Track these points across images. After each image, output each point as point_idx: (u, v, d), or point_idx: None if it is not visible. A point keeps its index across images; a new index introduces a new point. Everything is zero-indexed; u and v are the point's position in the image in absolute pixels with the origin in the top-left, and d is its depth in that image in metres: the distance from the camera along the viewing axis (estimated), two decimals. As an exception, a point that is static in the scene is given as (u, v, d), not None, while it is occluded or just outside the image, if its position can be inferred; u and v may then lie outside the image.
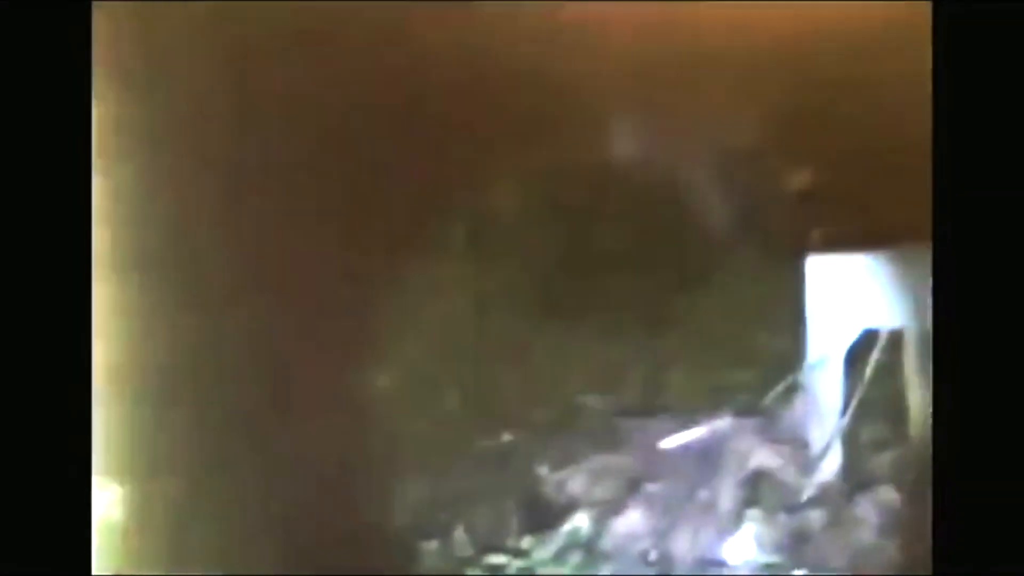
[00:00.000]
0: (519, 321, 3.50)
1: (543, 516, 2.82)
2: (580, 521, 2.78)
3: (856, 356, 2.93)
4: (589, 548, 2.68)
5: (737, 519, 2.69)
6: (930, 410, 2.89)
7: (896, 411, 2.99)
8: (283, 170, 2.76)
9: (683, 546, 2.59)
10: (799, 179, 3.84)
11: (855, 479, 2.84)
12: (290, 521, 2.51)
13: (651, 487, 2.81)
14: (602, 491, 2.88)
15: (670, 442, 2.88)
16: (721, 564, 2.59)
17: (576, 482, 2.90)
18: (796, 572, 2.53)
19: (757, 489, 2.79)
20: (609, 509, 2.78)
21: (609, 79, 4.19)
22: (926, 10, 1.65)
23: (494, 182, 3.75)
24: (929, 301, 2.61)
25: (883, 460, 2.89)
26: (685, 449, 2.86)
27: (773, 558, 2.61)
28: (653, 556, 2.60)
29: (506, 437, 3.18)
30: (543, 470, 3.03)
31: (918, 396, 2.99)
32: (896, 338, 2.96)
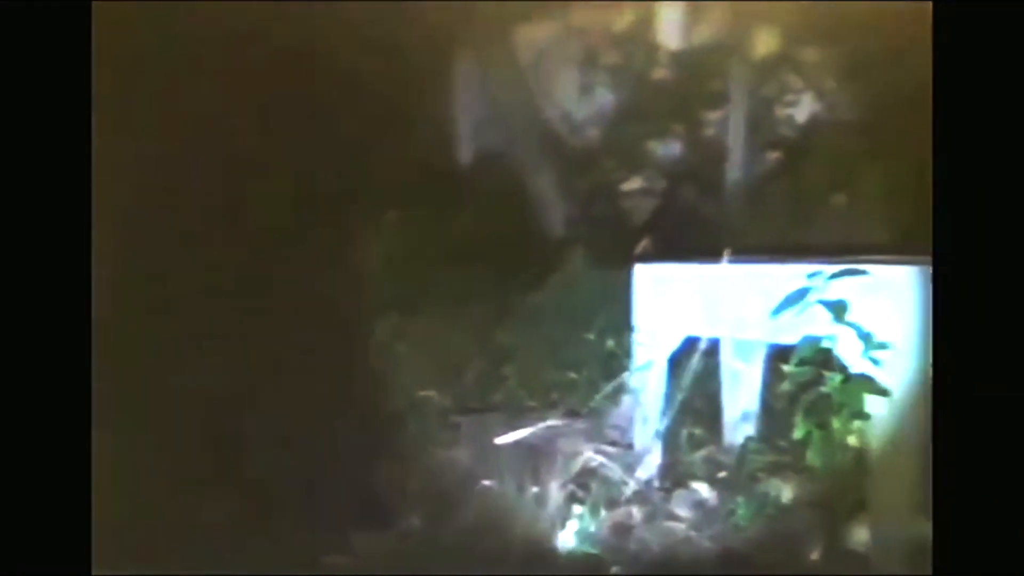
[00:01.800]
0: (363, 315, 3.50)
1: (378, 513, 2.84)
2: (415, 518, 2.83)
3: (678, 361, 3.12)
4: (425, 544, 2.72)
5: (564, 514, 2.82)
6: (741, 410, 3.18)
7: (711, 413, 3.22)
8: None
9: (515, 541, 2.68)
10: (632, 187, 4.06)
11: (672, 476, 3.03)
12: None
13: (485, 482, 2.89)
14: (437, 487, 2.94)
15: (504, 439, 2.97)
16: (548, 557, 2.70)
17: (413, 478, 2.94)
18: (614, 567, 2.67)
19: (583, 485, 2.93)
20: (444, 505, 2.84)
21: (459, 78, 4.28)
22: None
23: (338, 174, 3.73)
24: (745, 312, 2.85)
25: (697, 458, 3.10)
26: (517, 446, 2.96)
27: (595, 551, 2.74)
28: (488, 553, 2.67)
29: (343, 431, 3.18)
30: (379, 465, 3.05)
31: (731, 400, 3.23)
32: (714, 346, 3.18)
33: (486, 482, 2.90)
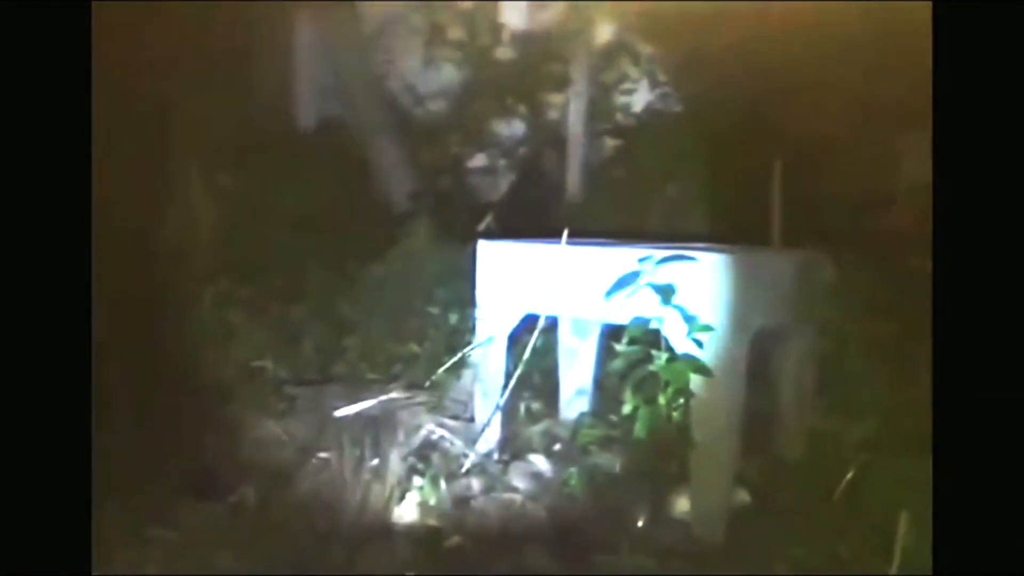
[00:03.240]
0: (191, 281, 3.34)
1: (209, 487, 2.74)
2: (246, 491, 2.74)
3: (518, 337, 3.19)
4: (256, 518, 2.65)
5: (404, 486, 2.83)
6: (576, 386, 3.29)
7: (549, 388, 3.32)
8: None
9: (350, 514, 2.66)
10: (476, 164, 4.08)
11: (511, 449, 3.11)
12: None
13: (323, 455, 2.85)
14: (271, 460, 2.86)
15: (344, 411, 2.93)
16: (387, 529, 2.70)
17: (245, 450, 2.85)
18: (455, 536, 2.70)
19: (424, 458, 2.94)
20: (278, 479, 2.78)
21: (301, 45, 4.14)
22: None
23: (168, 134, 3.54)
24: (581, 292, 2.94)
25: (535, 432, 3.18)
26: (357, 418, 2.93)
27: (436, 522, 2.77)
28: (323, 526, 2.64)
29: (172, 401, 3.03)
30: (209, 438, 2.93)
31: (567, 376, 3.34)
32: (552, 323, 3.27)
33: (323, 455, 2.85)
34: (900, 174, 3.47)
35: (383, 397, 2.99)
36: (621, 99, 4.35)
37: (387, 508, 2.73)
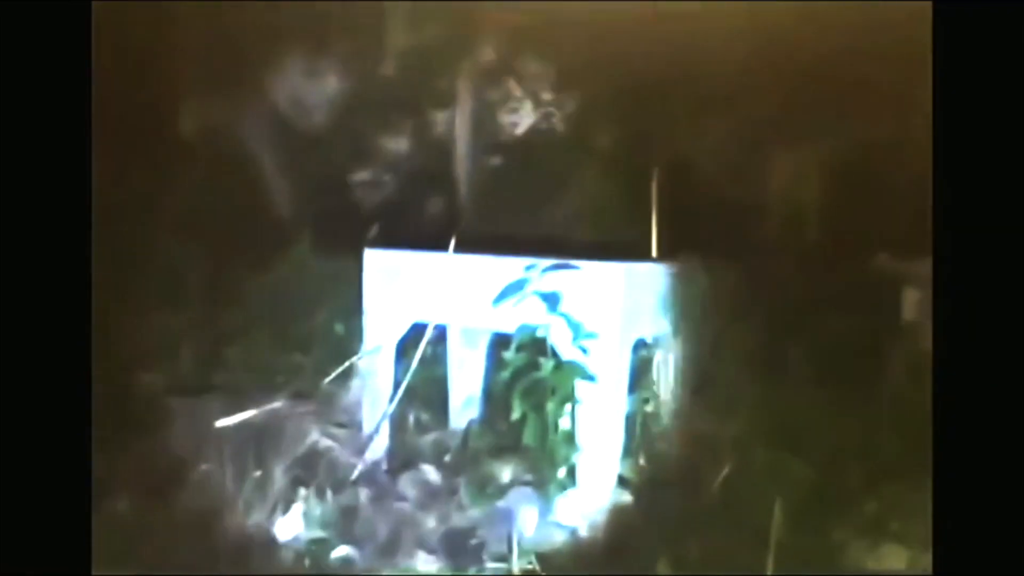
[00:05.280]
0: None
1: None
2: (121, 505, 2.63)
3: (406, 347, 3.19)
4: (133, 532, 2.54)
5: (289, 497, 2.77)
6: (466, 395, 3.31)
7: (438, 398, 3.32)
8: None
9: (232, 527, 2.60)
10: (361, 177, 4.06)
11: (399, 459, 3.09)
12: None
13: (203, 468, 2.76)
14: (147, 472, 2.76)
15: (225, 421, 2.86)
16: (271, 541, 2.64)
17: (121, 466, 2.73)
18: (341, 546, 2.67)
19: (310, 468, 2.90)
20: (154, 492, 2.68)
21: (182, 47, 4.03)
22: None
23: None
24: (469, 301, 2.97)
25: (424, 441, 3.18)
26: (240, 429, 2.86)
27: (321, 533, 2.73)
28: (204, 539, 2.55)
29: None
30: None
31: (457, 384, 3.36)
32: (441, 332, 3.28)
33: (203, 467, 2.77)
34: (768, 187, 3.65)
35: (267, 407, 2.92)
36: (505, 117, 4.42)
37: (271, 519, 2.68)
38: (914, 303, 3.18)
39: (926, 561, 2.65)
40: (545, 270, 2.87)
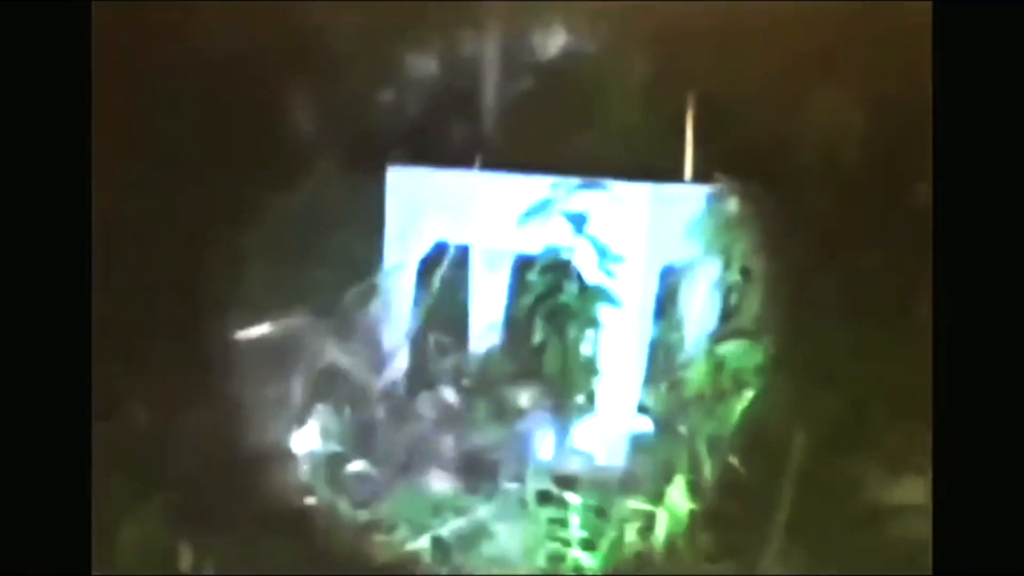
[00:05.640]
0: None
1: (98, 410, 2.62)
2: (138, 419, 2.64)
3: (428, 267, 3.14)
4: (149, 443, 2.56)
5: (306, 412, 2.77)
6: (487, 320, 3.27)
7: (459, 321, 3.29)
8: None
9: (252, 438, 2.61)
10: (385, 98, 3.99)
11: (418, 380, 3.06)
12: None
13: (221, 381, 2.76)
14: (166, 388, 2.76)
15: (243, 335, 2.85)
16: (287, 454, 2.65)
17: (138, 378, 2.74)
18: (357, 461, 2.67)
19: (327, 385, 2.88)
20: (174, 402, 2.69)
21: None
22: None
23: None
24: (493, 221, 2.91)
25: (444, 364, 3.15)
26: (258, 344, 2.85)
27: (337, 448, 2.73)
28: (220, 450, 2.56)
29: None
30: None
31: (478, 307, 3.31)
32: (464, 253, 3.23)
33: (221, 380, 2.77)
34: (805, 121, 3.54)
35: (284, 322, 2.90)
36: (537, 39, 4.31)
37: (287, 433, 2.68)
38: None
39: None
40: (572, 189, 2.79)
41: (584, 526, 2.38)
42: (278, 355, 2.83)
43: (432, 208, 3.09)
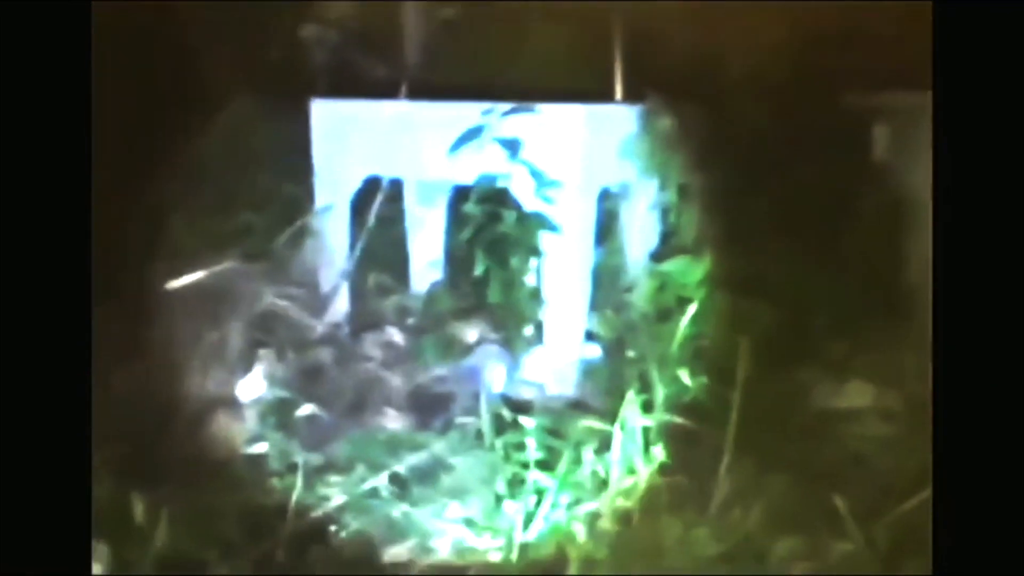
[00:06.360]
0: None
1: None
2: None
3: (360, 204, 3.05)
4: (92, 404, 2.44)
5: (248, 358, 2.70)
6: (427, 256, 3.20)
7: (398, 259, 3.22)
8: None
9: (195, 388, 2.52)
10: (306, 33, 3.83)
11: (361, 322, 3.01)
12: None
13: (156, 332, 2.66)
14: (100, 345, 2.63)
15: (174, 285, 2.73)
16: (234, 402, 2.58)
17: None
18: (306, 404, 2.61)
19: (268, 330, 2.81)
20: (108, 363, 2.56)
21: None
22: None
23: None
24: (428, 151, 2.83)
25: (386, 304, 3.09)
26: (191, 292, 2.74)
27: (284, 393, 2.67)
28: (162, 402, 2.48)
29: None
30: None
31: (417, 245, 3.24)
32: (397, 188, 3.15)
33: (156, 331, 2.66)
34: (735, 34, 3.52)
35: (216, 268, 2.80)
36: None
37: (231, 381, 2.61)
38: (883, 141, 3.11)
39: (891, 397, 2.71)
40: (504, 114, 2.73)
41: (540, 447, 2.37)
42: (213, 303, 2.73)
43: (361, 142, 2.99)
